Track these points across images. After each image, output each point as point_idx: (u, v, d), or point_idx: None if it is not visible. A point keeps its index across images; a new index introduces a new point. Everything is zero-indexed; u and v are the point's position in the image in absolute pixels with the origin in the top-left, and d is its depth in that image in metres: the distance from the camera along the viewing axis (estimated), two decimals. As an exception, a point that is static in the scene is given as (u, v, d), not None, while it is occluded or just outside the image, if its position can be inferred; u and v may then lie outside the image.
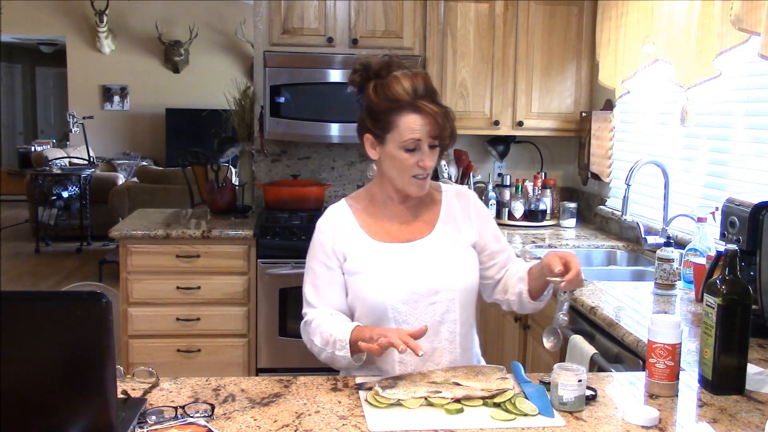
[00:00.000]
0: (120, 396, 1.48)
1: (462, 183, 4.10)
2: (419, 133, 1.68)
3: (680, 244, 2.79)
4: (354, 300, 1.78)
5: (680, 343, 1.59)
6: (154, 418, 1.42)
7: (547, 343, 1.66)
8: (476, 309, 1.86)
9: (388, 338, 1.56)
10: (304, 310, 1.81)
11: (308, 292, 1.81)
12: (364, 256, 1.77)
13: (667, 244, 2.70)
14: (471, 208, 1.87)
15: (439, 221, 1.83)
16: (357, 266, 1.77)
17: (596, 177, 3.96)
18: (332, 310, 1.78)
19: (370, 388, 1.56)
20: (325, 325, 1.72)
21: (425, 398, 1.51)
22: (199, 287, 3.60)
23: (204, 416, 1.44)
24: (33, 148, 10.39)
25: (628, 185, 3.11)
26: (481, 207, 1.90)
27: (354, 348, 1.66)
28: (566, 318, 1.67)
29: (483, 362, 1.90)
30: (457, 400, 1.51)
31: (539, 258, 2.83)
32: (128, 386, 1.59)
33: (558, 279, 1.64)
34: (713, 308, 1.59)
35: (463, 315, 1.79)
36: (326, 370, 1.75)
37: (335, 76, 3.82)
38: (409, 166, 1.71)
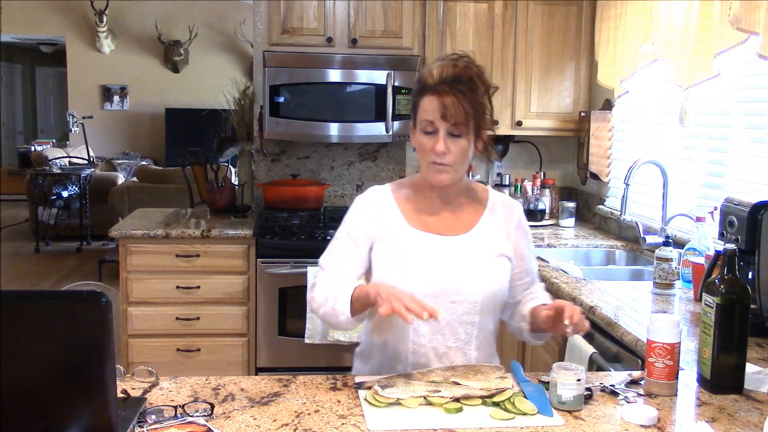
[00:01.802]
0: (120, 395, 1.48)
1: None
2: (431, 114, 1.69)
3: (679, 244, 2.79)
4: (376, 281, 1.76)
5: (679, 343, 1.59)
6: (153, 417, 1.43)
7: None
8: (498, 319, 1.85)
9: (397, 307, 1.52)
10: (316, 273, 1.83)
11: (325, 256, 1.82)
12: (396, 240, 1.76)
13: (666, 244, 2.70)
14: (514, 221, 1.83)
15: (479, 223, 1.80)
16: (387, 248, 1.76)
17: (595, 177, 3.97)
18: (341, 279, 1.76)
19: (370, 388, 1.56)
20: (328, 284, 1.75)
21: (424, 397, 1.52)
22: (198, 287, 3.60)
23: (203, 415, 1.45)
24: (33, 148, 10.37)
25: (627, 185, 3.11)
26: (523, 224, 1.86)
27: (354, 306, 1.66)
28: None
29: None
30: (456, 400, 1.51)
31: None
32: (128, 385, 1.59)
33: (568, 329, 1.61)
34: (712, 307, 1.59)
35: (483, 321, 1.77)
36: (326, 369, 1.76)
37: (334, 75, 3.82)
38: (426, 151, 1.71)
